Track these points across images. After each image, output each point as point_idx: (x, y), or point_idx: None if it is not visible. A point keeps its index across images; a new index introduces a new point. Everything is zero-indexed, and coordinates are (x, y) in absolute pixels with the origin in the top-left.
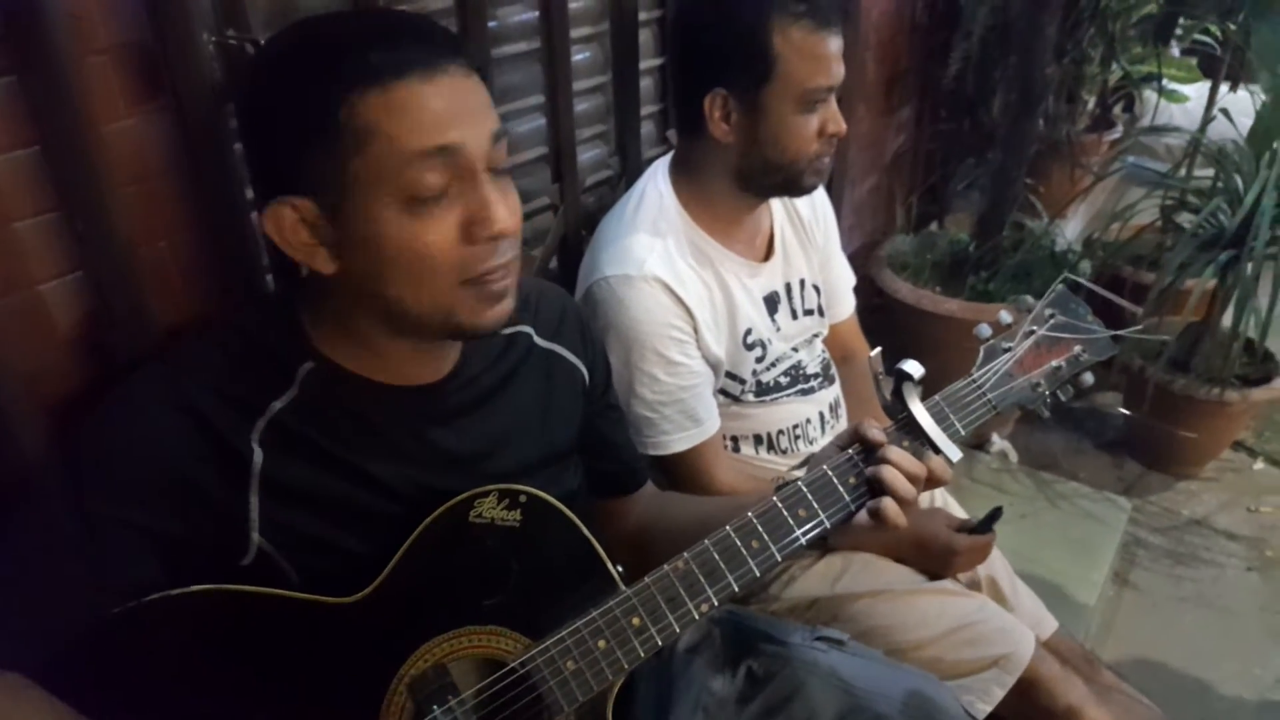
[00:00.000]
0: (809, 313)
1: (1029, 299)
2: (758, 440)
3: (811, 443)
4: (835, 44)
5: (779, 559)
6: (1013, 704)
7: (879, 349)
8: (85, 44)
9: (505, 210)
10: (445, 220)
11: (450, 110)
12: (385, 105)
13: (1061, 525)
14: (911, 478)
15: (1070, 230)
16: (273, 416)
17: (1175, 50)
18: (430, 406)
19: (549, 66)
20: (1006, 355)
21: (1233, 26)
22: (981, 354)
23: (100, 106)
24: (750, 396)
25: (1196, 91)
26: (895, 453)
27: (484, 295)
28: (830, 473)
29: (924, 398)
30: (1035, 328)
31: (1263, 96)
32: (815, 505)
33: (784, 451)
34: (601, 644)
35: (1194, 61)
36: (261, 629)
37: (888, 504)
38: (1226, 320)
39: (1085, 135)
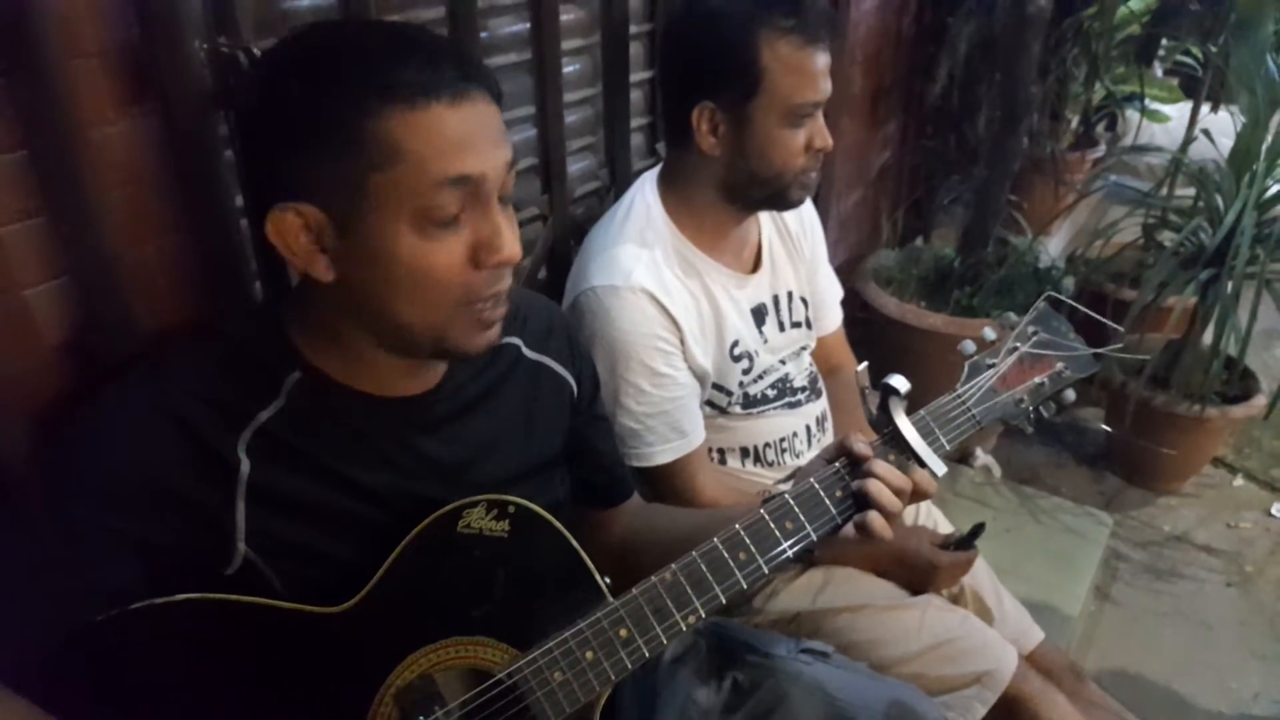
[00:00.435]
0: (796, 325)
1: (1012, 316)
2: (744, 453)
3: (798, 456)
4: (823, 59)
5: (766, 571)
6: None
7: (865, 363)
8: (73, 47)
9: (513, 238)
10: (455, 244)
11: (474, 137)
12: (413, 124)
13: (1044, 539)
14: (897, 491)
15: (1053, 247)
16: (259, 426)
17: (1158, 71)
18: (417, 416)
19: (540, 78)
20: (990, 371)
21: (1213, 48)
22: (966, 369)
23: (88, 110)
24: (737, 409)
25: (1178, 111)
26: (881, 467)
27: (478, 321)
28: (817, 486)
29: (909, 412)
30: (1018, 344)
31: (1242, 117)
32: (802, 518)
33: (770, 464)
34: (589, 655)
35: (1175, 82)
36: (247, 638)
37: (874, 517)
38: (1207, 338)
39: (1069, 153)
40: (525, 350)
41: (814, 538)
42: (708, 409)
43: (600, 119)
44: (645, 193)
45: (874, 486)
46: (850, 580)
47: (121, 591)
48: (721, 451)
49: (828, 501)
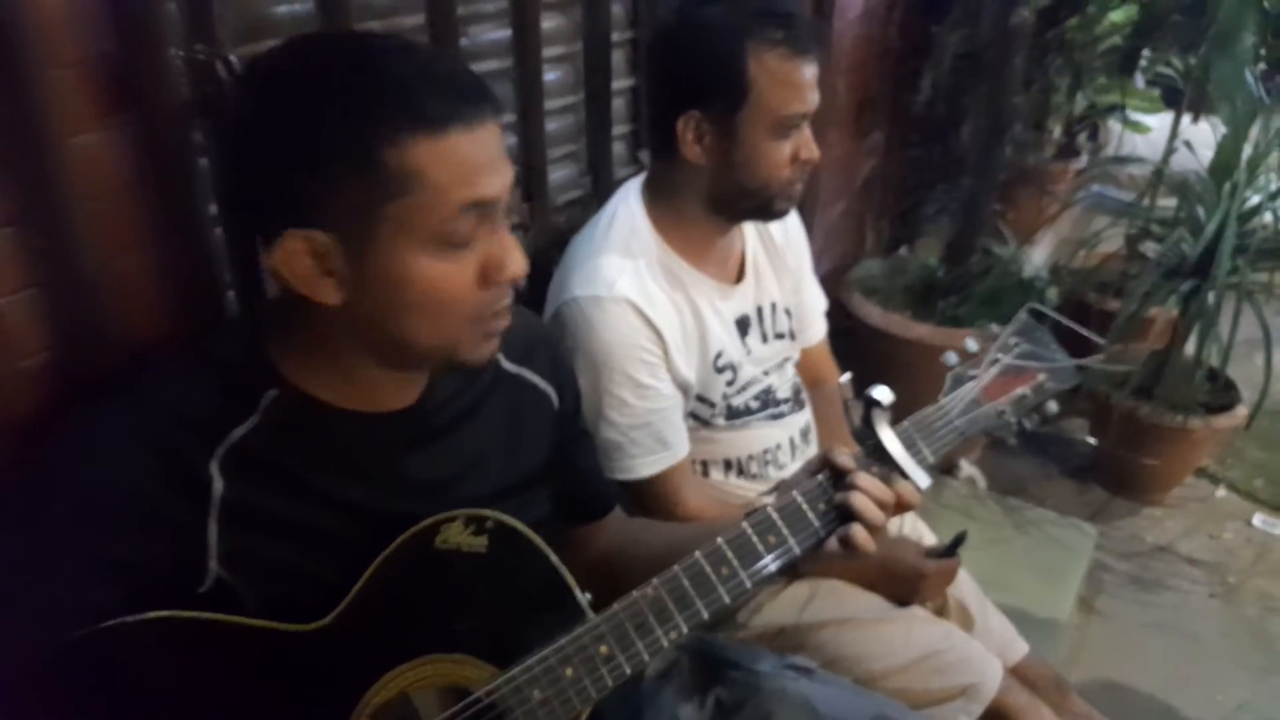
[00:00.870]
0: (780, 336)
1: (994, 327)
2: (727, 465)
3: (782, 468)
4: (810, 71)
5: (749, 585)
6: None
7: (848, 375)
8: (49, 57)
9: (520, 255)
10: (468, 264)
11: (487, 162)
12: (434, 153)
13: (1029, 551)
14: (880, 504)
15: (1038, 256)
16: (234, 443)
17: (1139, 82)
18: (398, 433)
19: (521, 85)
20: (973, 383)
21: (1194, 60)
22: (949, 381)
23: (63, 120)
24: (720, 420)
25: (1160, 122)
26: (864, 479)
27: (486, 333)
28: (800, 499)
29: (893, 423)
30: (1001, 356)
31: (1223, 128)
32: (785, 532)
33: (754, 476)
34: (569, 672)
35: (1157, 93)
36: (219, 656)
37: (857, 530)
38: (1189, 348)
39: (1052, 163)
40: (505, 363)
41: (797, 552)
42: (691, 421)
43: (582, 127)
44: (629, 202)
45: (857, 499)
46: (835, 594)
47: (96, 611)
48: (705, 463)
49: (811, 515)
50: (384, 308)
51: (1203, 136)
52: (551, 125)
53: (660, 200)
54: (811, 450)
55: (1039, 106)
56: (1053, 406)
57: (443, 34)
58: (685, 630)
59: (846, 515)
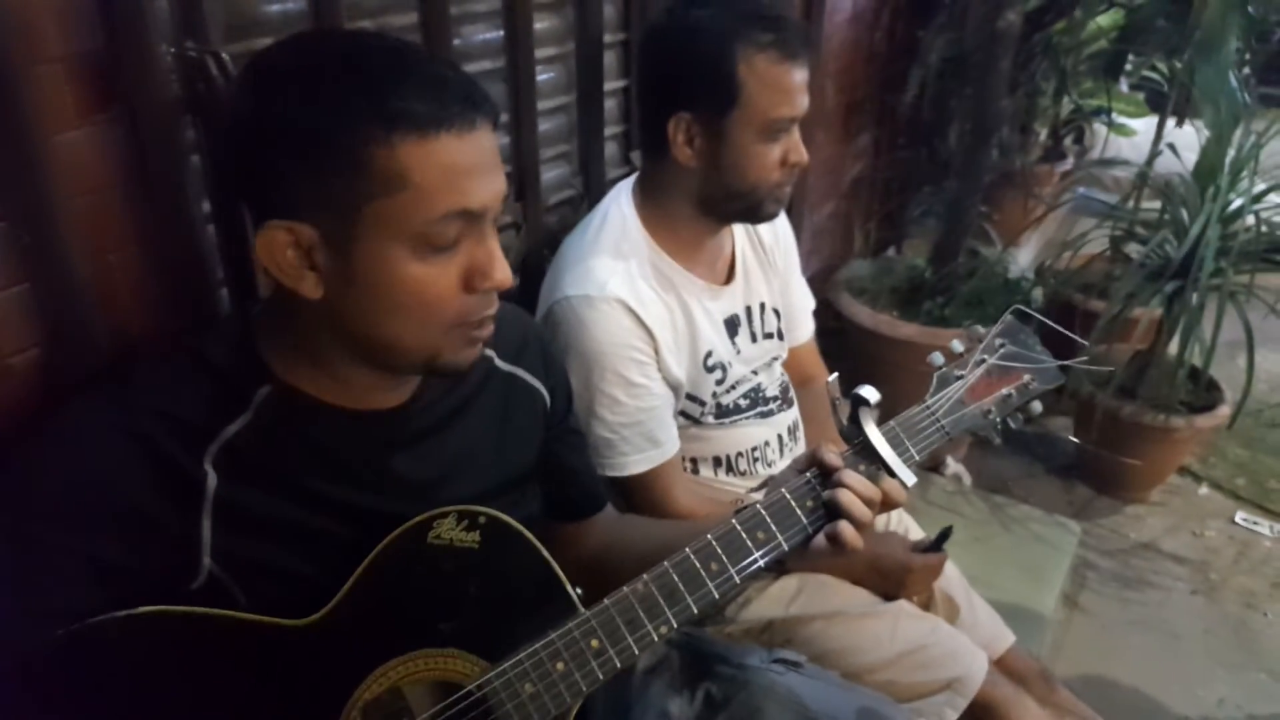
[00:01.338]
0: (769, 336)
1: (979, 328)
2: (717, 462)
3: (770, 465)
4: (800, 75)
5: (737, 581)
6: None
7: (835, 375)
8: (35, 52)
9: (505, 264)
10: (450, 268)
11: (477, 169)
12: (422, 155)
13: (1013, 548)
14: (867, 501)
15: (1023, 258)
16: (226, 440)
17: (1124, 85)
18: (389, 432)
19: (513, 86)
20: (959, 383)
21: (1178, 64)
22: (935, 381)
23: (50, 116)
24: (710, 419)
25: (1144, 125)
26: (851, 477)
27: (468, 339)
28: (788, 496)
29: (880, 422)
30: (986, 356)
31: (1206, 132)
32: (773, 528)
33: (743, 474)
34: (560, 666)
35: (1142, 96)
36: (212, 651)
37: (844, 527)
38: (1172, 349)
39: (1038, 166)
40: (498, 362)
41: (785, 548)
42: (681, 419)
43: (574, 128)
44: (621, 203)
45: (844, 496)
46: (823, 588)
47: (84, 610)
48: (695, 461)
49: (799, 512)
50: (363, 305)
51: (1187, 140)
52: (543, 125)
53: (651, 201)
54: (800, 447)
55: (1025, 110)
56: (1037, 406)
57: (435, 34)
58: (675, 625)
59: (834, 512)
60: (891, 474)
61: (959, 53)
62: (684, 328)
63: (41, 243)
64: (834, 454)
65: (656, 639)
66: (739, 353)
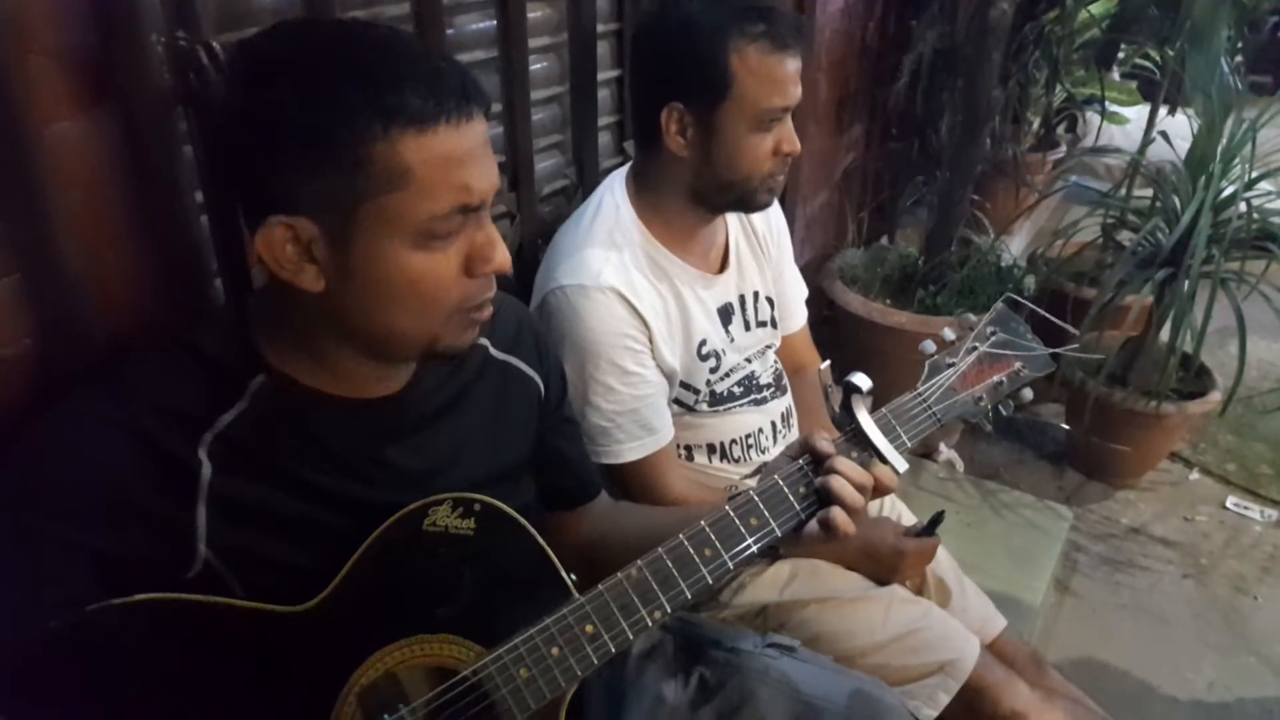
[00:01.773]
0: (762, 324)
1: (971, 316)
2: (711, 449)
3: (764, 452)
4: (792, 65)
5: (731, 566)
6: (958, 709)
7: (828, 362)
8: (26, 43)
9: (504, 249)
10: (451, 255)
11: (474, 158)
12: (421, 149)
13: (1005, 533)
14: (859, 487)
15: (1015, 246)
16: (221, 430)
17: (1116, 74)
18: (384, 421)
19: (507, 76)
20: (950, 370)
21: (1170, 53)
22: (926, 369)
23: (42, 108)
24: (704, 406)
25: (1137, 114)
26: (843, 463)
27: (468, 322)
28: (781, 482)
29: (872, 409)
30: (977, 344)
31: (1198, 120)
32: (766, 514)
33: (737, 460)
34: (555, 651)
35: (1134, 85)
36: (208, 638)
37: (836, 513)
38: (1164, 336)
39: (1030, 155)
40: (493, 351)
41: (778, 534)
42: (675, 407)
43: (567, 117)
44: (614, 192)
45: (836, 483)
46: (817, 573)
47: (82, 603)
48: (689, 448)
49: (791, 498)
50: (366, 297)
51: (1179, 128)
52: (537, 115)
53: (644, 191)
54: (793, 434)
55: (1017, 99)
56: (1028, 393)
57: (428, 24)
58: (669, 610)
59: (826, 498)
60: (883, 460)
61: (951, 44)
62: (678, 316)
63: (34, 234)
64: (826, 441)
65: (650, 624)
66: (732, 341)
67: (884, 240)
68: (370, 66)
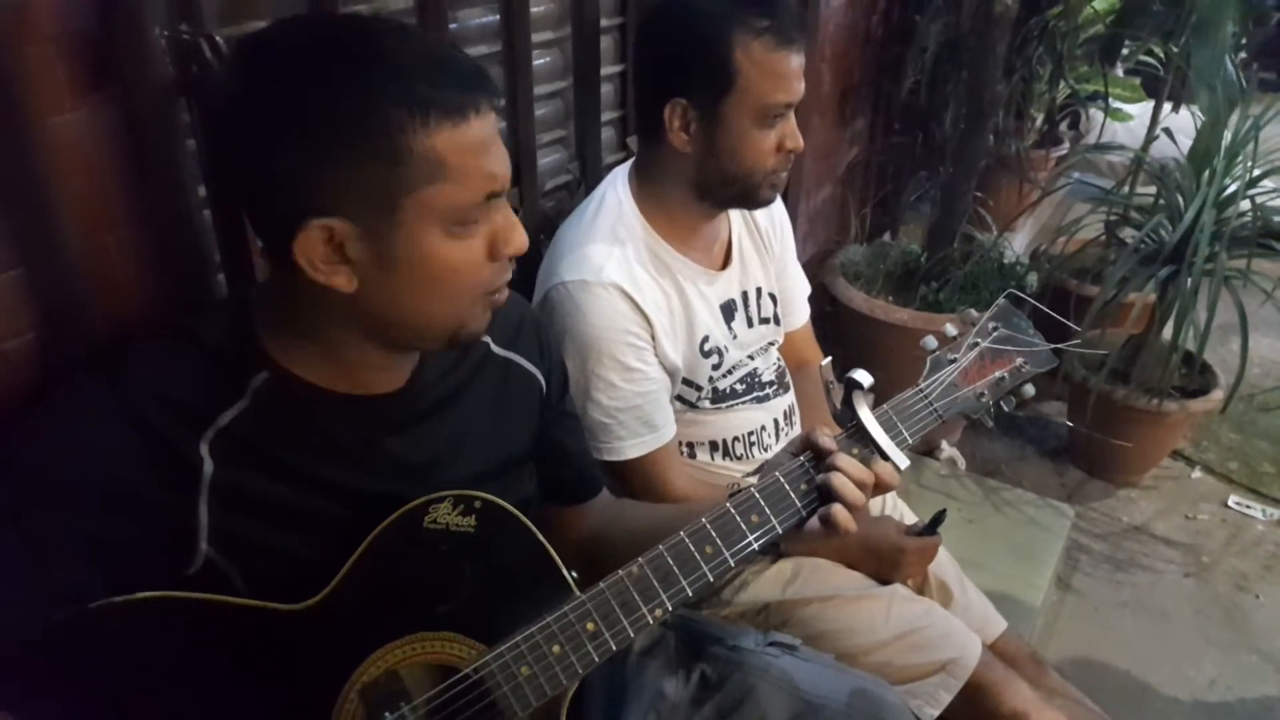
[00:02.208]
0: (765, 321)
1: (973, 312)
2: (713, 447)
3: (767, 449)
4: (796, 61)
5: (732, 564)
6: (960, 708)
7: (829, 359)
8: (27, 33)
9: (523, 231)
10: (478, 241)
11: (495, 145)
12: (455, 140)
13: (1007, 531)
14: (860, 484)
15: (1018, 243)
16: (223, 426)
17: (1120, 70)
18: (386, 415)
19: (510, 70)
20: (952, 366)
21: (1175, 49)
22: (928, 365)
23: (44, 98)
24: (706, 403)
25: (1140, 110)
26: (844, 460)
27: (489, 304)
28: (782, 479)
29: (874, 406)
30: (979, 340)
31: (1202, 117)
32: (768, 511)
33: (739, 458)
34: (556, 649)
35: (1138, 81)
36: (210, 636)
37: (837, 509)
38: (1166, 333)
39: (1033, 151)
40: (494, 347)
41: (779, 531)
42: (677, 404)
43: (571, 112)
44: (617, 187)
45: (837, 479)
46: (819, 571)
47: (81, 594)
48: (691, 445)
49: (793, 495)
50: (403, 289)
51: (1183, 124)
52: (540, 110)
53: (647, 186)
54: (796, 431)
55: (1020, 95)
56: (1029, 389)
57: (432, 18)
58: (670, 607)
59: (827, 495)
60: (885, 457)
61: (955, 38)
62: (680, 313)
63: (36, 226)
64: (828, 437)
65: (651, 621)
66: (735, 337)
67: (886, 236)
68: (403, 62)
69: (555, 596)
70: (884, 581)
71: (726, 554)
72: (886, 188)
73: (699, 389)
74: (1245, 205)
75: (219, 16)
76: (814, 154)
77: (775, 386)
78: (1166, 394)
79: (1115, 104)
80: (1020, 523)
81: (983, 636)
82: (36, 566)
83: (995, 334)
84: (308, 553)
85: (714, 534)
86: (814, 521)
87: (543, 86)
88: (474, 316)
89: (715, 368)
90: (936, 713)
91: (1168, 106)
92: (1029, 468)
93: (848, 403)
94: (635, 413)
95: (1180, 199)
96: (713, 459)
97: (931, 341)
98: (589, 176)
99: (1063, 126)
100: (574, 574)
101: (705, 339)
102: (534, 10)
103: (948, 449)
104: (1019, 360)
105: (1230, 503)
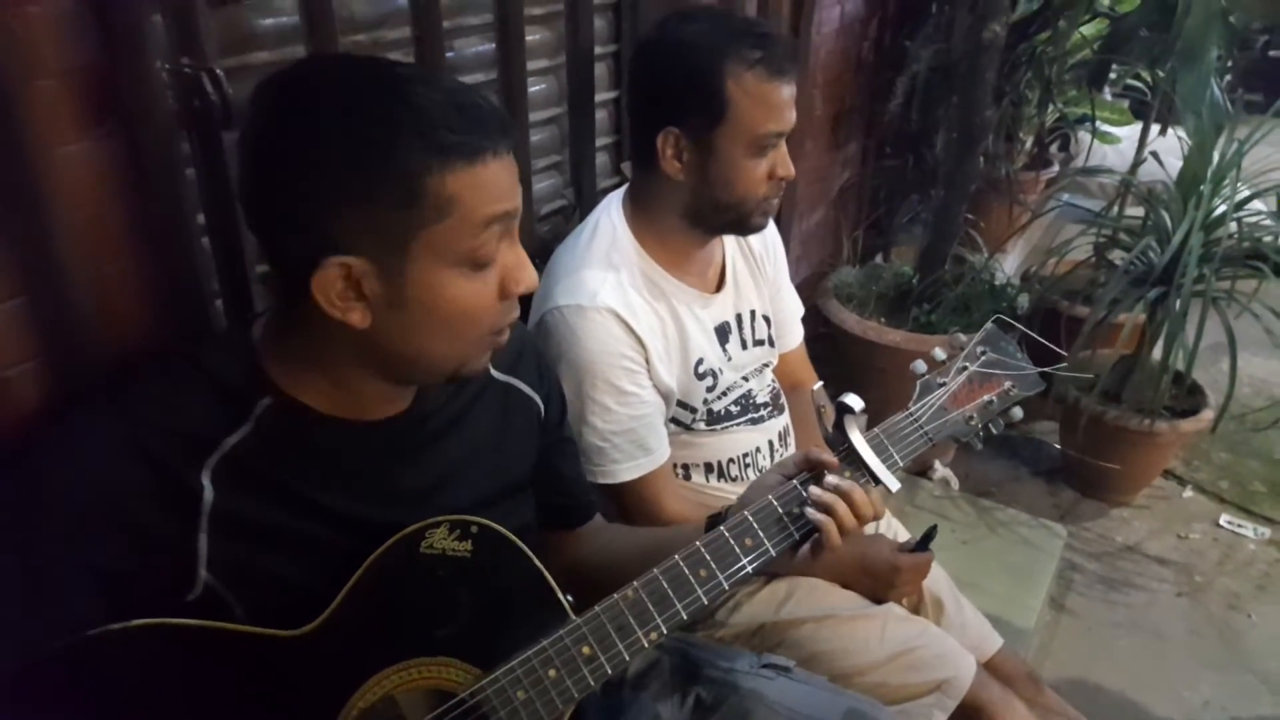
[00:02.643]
0: (759, 343)
1: (961, 336)
2: (708, 469)
3: (761, 471)
4: (787, 91)
5: (726, 587)
6: None
7: (820, 383)
8: (32, 67)
9: (532, 269)
10: (491, 280)
11: (510, 182)
12: (470, 181)
13: (1000, 551)
14: (860, 514)
15: (1009, 265)
16: (225, 453)
17: (1108, 94)
18: (388, 442)
19: (506, 98)
20: (941, 390)
21: (1161, 73)
22: (918, 388)
23: (48, 130)
24: (701, 425)
25: (1128, 133)
26: (845, 483)
27: (491, 345)
28: (775, 503)
29: (866, 428)
30: (967, 364)
31: (1189, 140)
32: (761, 534)
33: (734, 479)
34: (552, 673)
35: (1126, 105)
36: (207, 662)
37: (824, 521)
38: (1156, 354)
39: (1023, 174)
40: (494, 372)
41: (773, 554)
42: (672, 426)
43: (565, 139)
44: (611, 213)
45: (827, 498)
46: (813, 591)
47: (81, 621)
48: (686, 467)
49: (786, 519)
50: (411, 327)
51: (1170, 147)
52: (535, 136)
53: (641, 212)
54: (790, 453)
55: (1010, 118)
56: (1018, 412)
57: (429, 47)
58: (665, 631)
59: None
60: (876, 480)
61: (945, 63)
62: (675, 336)
63: (40, 256)
64: (830, 455)
65: (647, 645)
66: (730, 360)
67: (879, 258)
68: (426, 108)
69: (551, 621)
70: (879, 600)
71: (720, 577)
72: (879, 210)
73: (694, 411)
74: (1233, 227)
75: (220, 49)
76: (807, 177)
77: (770, 408)
78: (1157, 414)
79: (1103, 127)
80: (1014, 543)
81: (979, 654)
82: (37, 595)
83: (983, 358)
84: (306, 579)
85: (708, 557)
86: (806, 546)
87: (538, 113)
88: (476, 356)
89: (710, 390)
90: None
91: (1155, 129)
92: (1022, 488)
93: (839, 426)
94: (630, 436)
95: (1169, 221)
96: (707, 480)
97: (920, 366)
98: (584, 202)
99: (1052, 149)
100: (569, 598)
101: (700, 361)
102: (530, 39)
103: (941, 469)
104: (1007, 384)
105: (1222, 522)
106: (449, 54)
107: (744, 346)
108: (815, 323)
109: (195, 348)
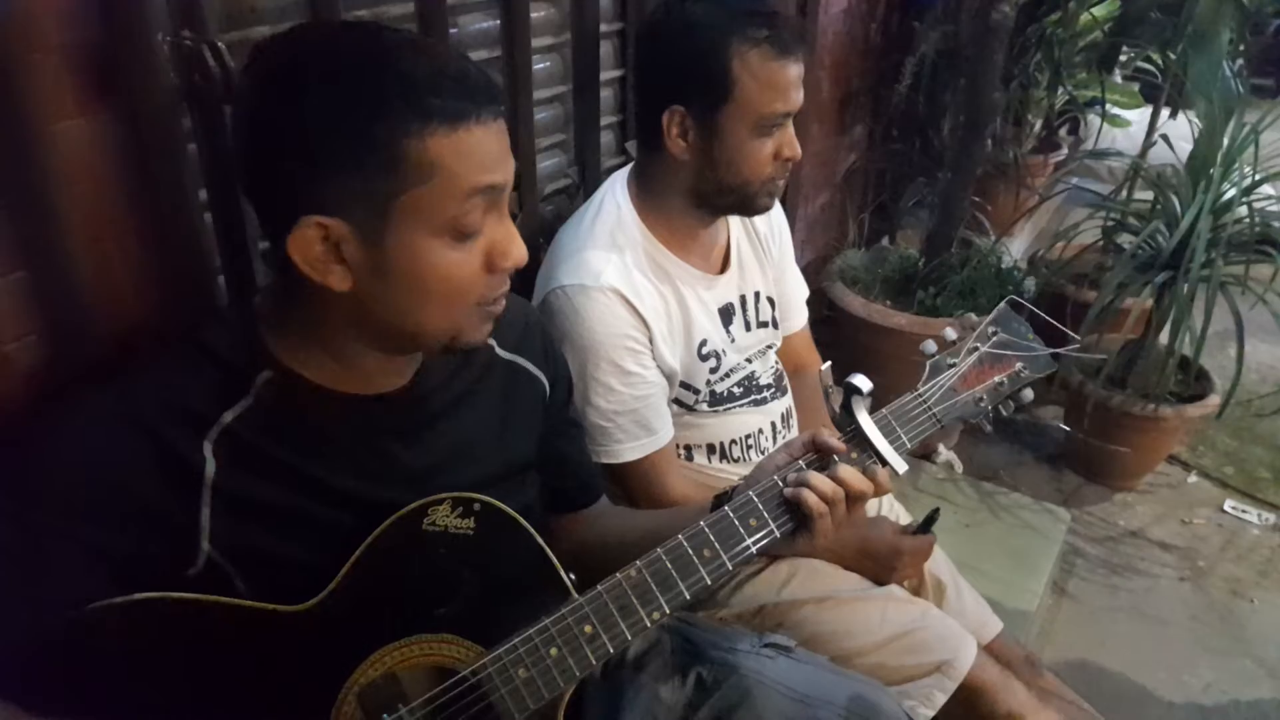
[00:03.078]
0: (763, 325)
1: (973, 316)
2: (711, 450)
3: (764, 452)
4: (795, 71)
5: (730, 567)
6: (955, 709)
7: (828, 363)
8: (32, 41)
9: (521, 244)
10: (476, 251)
11: (497, 151)
12: (453, 146)
13: (1003, 535)
14: (859, 495)
15: (1016, 248)
16: (226, 426)
17: (1118, 77)
18: (391, 418)
19: (509, 75)
20: (951, 370)
21: (1172, 56)
22: (927, 369)
23: (48, 105)
24: (704, 406)
25: (1138, 116)
26: (845, 470)
27: (486, 315)
28: (781, 484)
29: (872, 410)
30: (979, 345)
31: (1199, 123)
32: (766, 515)
33: (736, 461)
34: (554, 651)
35: (1136, 87)
36: (208, 637)
37: (807, 495)
38: (1163, 339)
39: (1031, 157)
40: (499, 350)
41: (777, 535)
42: (675, 407)
43: (570, 117)
44: (615, 193)
45: (821, 484)
46: (816, 573)
47: (84, 596)
48: (689, 448)
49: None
50: (396, 293)
51: (1180, 131)
52: (539, 115)
53: (646, 192)
54: (793, 435)
55: (1019, 101)
56: (1028, 394)
57: (432, 23)
58: (667, 610)
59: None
60: (883, 462)
61: (953, 45)
62: (678, 317)
63: (39, 231)
64: (835, 439)
65: (649, 624)
66: (733, 341)
67: (885, 241)
68: (405, 68)
69: (553, 599)
70: (880, 582)
71: (724, 557)
72: (885, 193)
73: (696, 392)
74: (1242, 211)
75: (221, 23)
76: (813, 160)
77: (773, 390)
78: (1163, 399)
79: (1113, 110)
80: (1016, 527)
81: (979, 638)
82: (41, 570)
83: (995, 339)
84: (308, 555)
85: (712, 538)
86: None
87: (542, 91)
88: (471, 326)
89: (713, 371)
90: (931, 714)
91: (1165, 112)
92: (1026, 472)
93: (846, 408)
94: (633, 416)
95: (1178, 205)
96: (710, 462)
97: (931, 346)
98: (588, 181)
99: (1061, 132)
100: (572, 577)
101: (703, 343)
102: (534, 16)
103: (945, 453)
104: (1018, 365)
105: (1226, 507)
106: (452, 30)
107: (748, 328)
108: (820, 306)
109: (196, 324)
